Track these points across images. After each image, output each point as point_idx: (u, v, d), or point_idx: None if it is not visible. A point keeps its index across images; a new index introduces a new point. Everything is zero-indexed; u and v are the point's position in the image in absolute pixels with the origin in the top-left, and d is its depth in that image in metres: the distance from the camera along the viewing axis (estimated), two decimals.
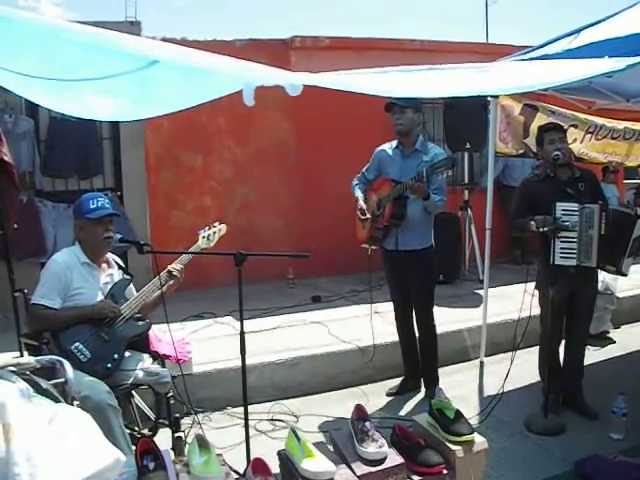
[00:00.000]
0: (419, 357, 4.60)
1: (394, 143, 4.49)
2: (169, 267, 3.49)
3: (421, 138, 4.40)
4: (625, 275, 4.07)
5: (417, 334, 4.55)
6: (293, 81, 2.09)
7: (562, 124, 4.55)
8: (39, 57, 2.31)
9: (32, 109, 6.17)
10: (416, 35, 8.05)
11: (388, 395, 4.59)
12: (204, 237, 3.66)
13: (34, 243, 6.04)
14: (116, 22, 6.32)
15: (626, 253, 3.93)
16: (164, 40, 6.49)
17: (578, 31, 4.13)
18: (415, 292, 4.44)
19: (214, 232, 3.70)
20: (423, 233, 4.36)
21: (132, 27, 6.45)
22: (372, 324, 4.68)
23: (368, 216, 4.39)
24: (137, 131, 6.52)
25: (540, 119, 4.94)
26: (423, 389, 4.61)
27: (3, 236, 4.21)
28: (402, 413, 4.30)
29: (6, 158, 4.71)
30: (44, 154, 6.32)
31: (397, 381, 4.69)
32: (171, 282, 3.49)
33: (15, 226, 4.77)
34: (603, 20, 4.07)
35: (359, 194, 4.52)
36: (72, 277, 3.28)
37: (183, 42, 6.77)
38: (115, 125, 6.48)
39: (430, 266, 4.45)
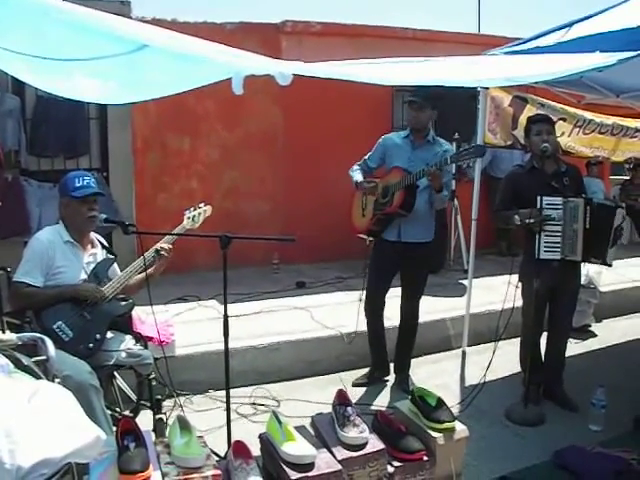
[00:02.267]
0: (396, 343, 4.60)
1: (403, 133, 4.42)
2: (157, 245, 3.46)
3: (432, 132, 4.35)
4: (610, 265, 4.08)
5: (399, 320, 4.55)
6: (283, 70, 2.08)
7: (551, 116, 4.56)
8: (28, 34, 2.28)
9: (19, 87, 6.09)
10: (406, 25, 7.98)
11: (355, 386, 4.53)
12: (189, 218, 3.64)
13: (18, 222, 5.98)
14: (106, 1, 6.24)
15: (609, 243, 3.95)
16: (154, 21, 6.45)
17: (570, 24, 4.14)
18: (408, 281, 4.42)
19: (199, 213, 3.69)
20: (426, 226, 4.32)
21: (122, 7, 6.35)
22: (359, 310, 4.65)
23: (377, 182, 4.29)
24: (124, 112, 6.46)
25: (529, 111, 4.94)
26: (393, 375, 4.63)
27: None
28: (383, 400, 4.32)
29: None
30: (30, 133, 6.25)
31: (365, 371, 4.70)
32: (160, 261, 3.47)
33: None
34: (595, 14, 4.08)
35: (359, 176, 4.38)
36: (55, 256, 3.25)
37: (173, 23, 6.72)
38: (102, 106, 6.41)
39: (429, 258, 4.47)
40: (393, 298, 4.51)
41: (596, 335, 5.80)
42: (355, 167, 4.49)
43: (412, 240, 4.27)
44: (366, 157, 4.51)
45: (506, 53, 4.41)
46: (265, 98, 7.02)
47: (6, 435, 1.60)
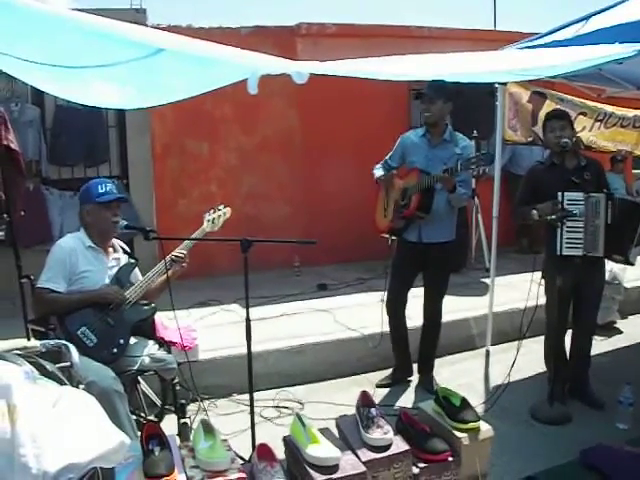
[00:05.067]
0: (420, 343, 4.58)
1: (420, 131, 4.39)
2: (173, 253, 3.49)
3: (450, 128, 4.30)
4: (632, 264, 4.04)
5: (422, 320, 4.54)
6: (299, 69, 2.09)
7: (568, 111, 4.52)
8: (44, 44, 2.30)
9: (38, 97, 6.18)
10: (422, 24, 7.98)
11: (378, 387, 4.52)
12: (209, 220, 3.64)
13: (41, 230, 6.06)
14: (121, 9, 6.30)
15: (634, 242, 3.90)
16: (170, 27, 6.50)
17: (588, 17, 4.09)
18: (430, 281, 4.40)
19: (219, 215, 3.69)
20: (447, 226, 4.29)
21: (137, 14, 6.43)
22: (382, 311, 4.59)
23: (393, 172, 4.31)
24: (143, 119, 6.52)
25: (548, 107, 4.91)
26: (417, 375, 4.61)
27: (10, 223, 4.23)
28: (407, 400, 4.30)
29: (13, 146, 4.73)
30: (50, 142, 6.34)
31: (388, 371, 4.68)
32: (176, 268, 3.48)
33: (22, 213, 4.79)
34: (613, 6, 4.03)
35: (380, 173, 4.40)
36: (77, 261, 3.28)
37: (189, 29, 6.77)
38: (121, 113, 6.48)
39: (450, 258, 4.45)
40: (415, 298, 4.49)
41: (622, 332, 5.73)
42: (377, 166, 4.51)
43: (433, 240, 4.24)
44: (387, 157, 4.50)
45: (523, 48, 4.38)
46: (282, 101, 7.06)
47: (32, 440, 1.61)
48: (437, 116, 4.21)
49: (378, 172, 4.43)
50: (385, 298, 4.52)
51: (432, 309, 4.47)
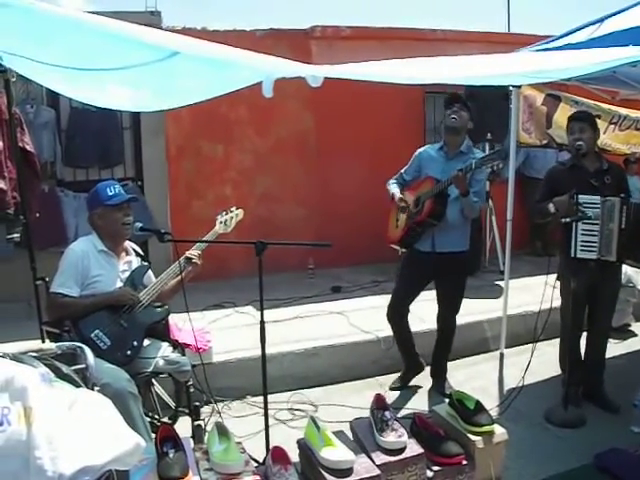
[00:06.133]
0: (434, 348, 4.56)
1: (437, 145, 4.37)
2: (187, 253, 3.49)
3: (467, 141, 4.27)
4: None
5: (437, 329, 4.52)
6: (314, 72, 2.09)
7: (588, 112, 4.50)
8: (60, 47, 2.32)
9: (53, 99, 6.22)
10: (434, 26, 7.95)
11: (392, 390, 4.52)
12: (221, 222, 3.65)
13: (56, 232, 6.08)
14: (136, 12, 6.33)
15: None
16: (184, 30, 6.53)
17: (602, 20, 4.07)
18: (445, 292, 4.36)
19: (231, 217, 3.70)
20: (460, 235, 4.25)
21: (152, 17, 6.45)
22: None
23: (410, 200, 4.26)
24: (158, 121, 6.54)
25: (563, 109, 4.90)
26: (430, 378, 4.59)
27: (25, 225, 4.26)
28: (421, 403, 4.29)
29: (28, 148, 4.77)
30: (65, 144, 6.37)
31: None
32: (189, 268, 3.49)
33: (37, 215, 4.82)
34: (627, 8, 4.01)
35: (395, 189, 4.37)
36: (89, 265, 3.29)
37: (203, 32, 6.79)
38: (136, 115, 6.50)
39: (465, 268, 4.43)
40: (428, 301, 4.47)
41: (636, 334, 5.67)
42: (392, 181, 4.48)
43: (446, 250, 4.18)
44: (402, 170, 4.47)
45: (537, 51, 4.36)
46: (296, 103, 7.06)
47: (48, 443, 1.62)
48: (462, 124, 4.18)
49: (394, 188, 4.39)
50: (388, 304, 4.50)
51: (446, 320, 4.44)
